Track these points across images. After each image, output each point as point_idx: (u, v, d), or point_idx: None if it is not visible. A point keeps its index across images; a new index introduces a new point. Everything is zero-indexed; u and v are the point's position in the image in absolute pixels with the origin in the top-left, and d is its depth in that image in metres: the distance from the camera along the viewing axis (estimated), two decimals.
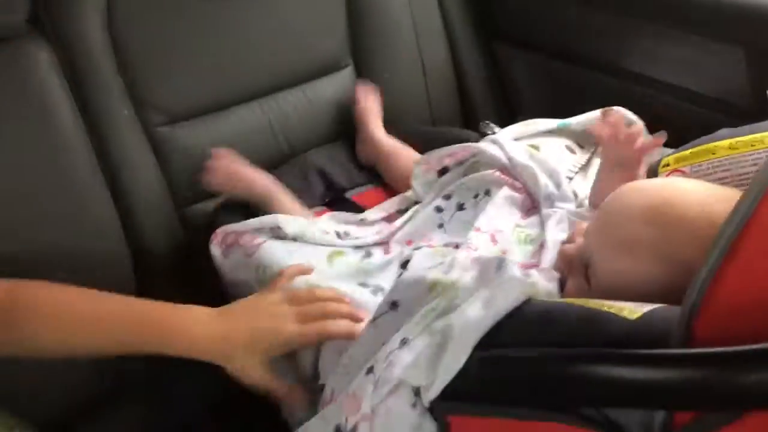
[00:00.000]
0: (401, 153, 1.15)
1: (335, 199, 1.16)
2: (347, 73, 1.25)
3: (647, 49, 1.15)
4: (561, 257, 0.75)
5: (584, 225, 0.76)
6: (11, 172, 0.91)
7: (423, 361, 0.56)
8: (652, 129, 0.97)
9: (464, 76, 1.34)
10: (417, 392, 0.58)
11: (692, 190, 0.66)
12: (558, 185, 0.91)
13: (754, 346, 0.42)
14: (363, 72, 1.26)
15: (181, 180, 1.09)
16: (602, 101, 1.01)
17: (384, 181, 1.18)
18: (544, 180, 0.91)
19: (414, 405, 0.57)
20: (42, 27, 0.95)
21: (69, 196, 0.96)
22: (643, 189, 0.70)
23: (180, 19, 1.06)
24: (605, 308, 0.56)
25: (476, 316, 0.55)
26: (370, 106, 1.20)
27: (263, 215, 0.99)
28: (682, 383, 0.46)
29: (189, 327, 0.73)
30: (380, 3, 1.25)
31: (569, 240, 0.77)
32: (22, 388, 0.87)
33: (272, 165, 1.15)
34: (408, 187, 1.05)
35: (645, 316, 0.53)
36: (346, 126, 1.23)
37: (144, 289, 1.05)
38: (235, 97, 1.14)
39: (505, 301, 0.55)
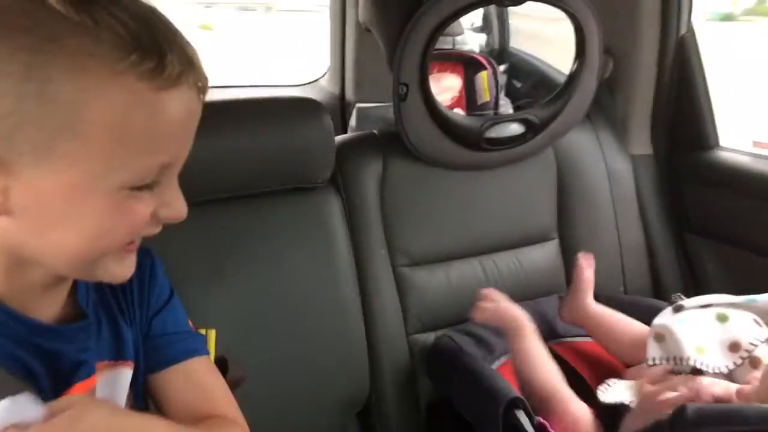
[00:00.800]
0: (616, 325, 1.30)
1: None
2: (553, 244, 1.50)
3: None
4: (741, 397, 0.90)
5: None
6: (297, 279, 1.21)
7: None
8: None
9: (656, 255, 1.54)
10: None
11: None
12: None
13: None
14: (566, 245, 1.49)
15: (413, 311, 1.35)
16: None
17: (581, 334, 1.36)
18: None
19: None
20: (336, 183, 1.30)
21: (332, 305, 1.25)
22: None
23: (430, 187, 1.37)
24: None
25: None
26: (589, 277, 1.37)
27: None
28: None
29: None
30: (586, 190, 1.51)
31: (746, 383, 0.92)
32: None
33: None
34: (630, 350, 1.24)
35: None
36: (549, 287, 1.44)
37: (373, 394, 1.29)
38: (461, 252, 1.41)
39: None
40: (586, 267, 1.37)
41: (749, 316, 1.16)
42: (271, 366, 1.18)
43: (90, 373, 0.70)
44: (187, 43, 0.60)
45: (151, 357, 0.79)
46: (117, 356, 0.75)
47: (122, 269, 0.66)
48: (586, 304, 1.34)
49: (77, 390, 0.68)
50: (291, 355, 1.21)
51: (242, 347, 1.11)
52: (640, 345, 1.20)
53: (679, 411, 0.79)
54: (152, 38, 0.55)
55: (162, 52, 0.55)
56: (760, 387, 0.86)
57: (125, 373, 0.76)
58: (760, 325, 1.14)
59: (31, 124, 0.53)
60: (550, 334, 1.35)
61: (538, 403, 1.10)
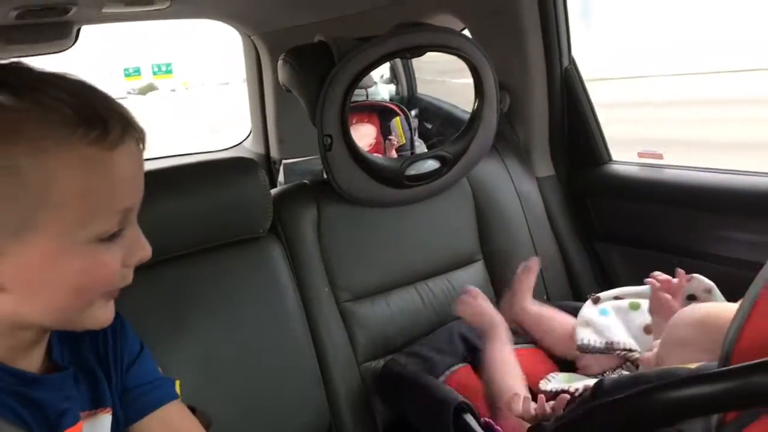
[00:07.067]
0: (554, 317, 1.44)
1: (474, 357, 1.48)
2: (479, 264, 1.64)
3: (716, 233, 1.47)
4: (644, 363, 1.06)
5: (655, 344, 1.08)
6: (250, 326, 1.30)
7: None
8: (727, 296, 1.25)
9: (571, 264, 1.71)
10: None
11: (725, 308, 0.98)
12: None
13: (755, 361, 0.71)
14: (490, 264, 1.64)
15: (360, 341, 1.45)
16: None
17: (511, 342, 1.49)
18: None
19: None
20: (277, 231, 1.41)
21: (286, 346, 1.34)
22: (695, 308, 1.03)
23: (362, 226, 1.49)
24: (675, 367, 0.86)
25: None
26: (530, 280, 1.50)
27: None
28: (732, 389, 0.74)
29: None
30: (501, 212, 1.67)
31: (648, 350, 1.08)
32: None
33: (424, 332, 1.49)
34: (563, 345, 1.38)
35: (700, 366, 0.83)
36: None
37: (333, 422, 1.38)
38: (398, 282, 1.53)
39: None
40: (530, 272, 1.51)
41: None
42: (236, 407, 1.26)
43: (75, 420, 0.77)
44: (119, 104, 0.69)
45: (129, 408, 0.86)
46: (96, 405, 0.81)
47: (106, 314, 0.73)
48: (525, 302, 1.48)
49: None
50: (253, 395, 1.29)
51: (207, 393, 1.19)
52: (568, 337, 1.36)
53: (598, 384, 0.92)
54: (92, 108, 0.64)
55: (104, 119, 0.64)
56: (658, 352, 1.01)
57: (105, 419, 0.83)
58: None
59: (9, 204, 0.61)
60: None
61: (492, 399, 1.22)
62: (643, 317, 1.29)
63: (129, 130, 0.67)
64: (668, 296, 1.19)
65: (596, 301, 1.37)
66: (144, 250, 0.72)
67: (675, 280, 1.22)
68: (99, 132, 0.63)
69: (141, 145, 0.70)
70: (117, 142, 0.65)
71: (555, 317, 1.44)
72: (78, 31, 1.96)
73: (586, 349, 1.28)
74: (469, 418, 1.16)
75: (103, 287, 0.70)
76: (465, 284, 1.59)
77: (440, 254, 1.59)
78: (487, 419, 1.18)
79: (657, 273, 1.24)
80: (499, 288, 1.62)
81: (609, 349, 1.26)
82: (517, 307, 1.48)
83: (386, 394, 1.41)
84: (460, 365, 1.43)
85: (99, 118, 0.64)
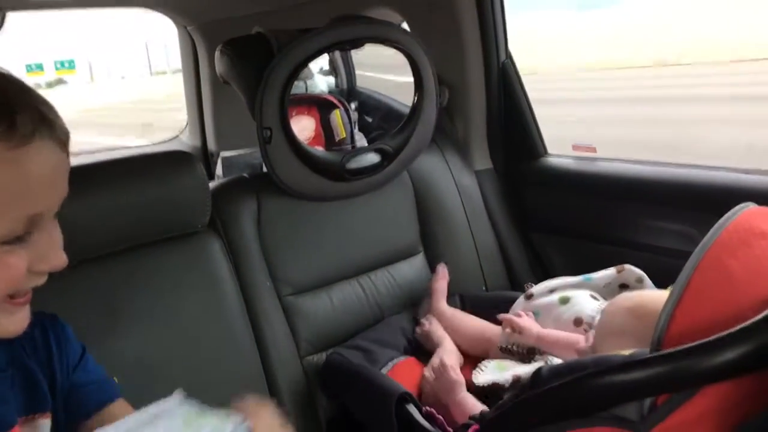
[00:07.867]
0: (462, 321, 1.48)
1: (415, 350, 1.49)
2: (420, 257, 1.66)
3: (646, 223, 1.53)
4: (579, 353, 1.09)
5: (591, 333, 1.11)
6: (189, 323, 1.28)
7: None
8: (657, 284, 1.30)
9: (508, 255, 1.75)
10: None
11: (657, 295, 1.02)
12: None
13: (684, 346, 0.74)
14: (431, 256, 1.66)
15: (303, 335, 1.45)
16: (614, 265, 1.37)
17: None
18: None
19: None
20: (215, 226, 1.39)
21: (226, 342, 1.32)
22: (628, 296, 1.06)
23: (303, 219, 1.48)
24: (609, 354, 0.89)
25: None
26: (442, 285, 1.54)
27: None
28: (664, 373, 0.77)
29: None
30: (441, 205, 1.69)
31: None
32: None
33: (367, 325, 1.50)
34: (472, 343, 1.42)
35: (634, 353, 0.86)
36: (420, 295, 1.59)
37: None
38: (340, 275, 1.53)
39: None
40: (440, 278, 1.55)
41: (587, 293, 1.37)
42: None
43: (12, 423, 0.74)
44: (42, 101, 0.65)
45: (74, 408, 0.84)
46: (34, 410, 0.78)
47: (14, 323, 0.69)
48: (437, 306, 1.51)
49: None
50: (192, 392, 1.24)
51: (144, 392, 1.16)
52: (480, 338, 1.41)
53: (536, 372, 0.95)
54: (2, 103, 0.60)
55: (12, 113, 0.60)
56: (593, 343, 1.05)
57: (45, 425, 0.80)
58: (596, 299, 1.35)
59: None
60: None
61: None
62: (572, 310, 1.32)
63: (42, 128, 0.63)
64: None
65: (529, 297, 1.40)
66: (57, 259, 0.68)
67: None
68: (6, 126, 0.59)
69: (61, 146, 0.66)
70: (26, 140, 0.61)
71: (465, 320, 1.48)
72: (3, 17, 1.88)
73: (509, 352, 1.31)
74: (412, 408, 1.18)
75: (4, 290, 0.65)
76: (406, 276, 1.62)
77: (381, 247, 1.60)
78: (428, 409, 1.19)
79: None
80: None
81: (530, 353, 1.30)
82: (431, 309, 1.52)
83: (329, 387, 1.41)
84: (402, 358, 1.44)
85: (8, 111, 0.60)
